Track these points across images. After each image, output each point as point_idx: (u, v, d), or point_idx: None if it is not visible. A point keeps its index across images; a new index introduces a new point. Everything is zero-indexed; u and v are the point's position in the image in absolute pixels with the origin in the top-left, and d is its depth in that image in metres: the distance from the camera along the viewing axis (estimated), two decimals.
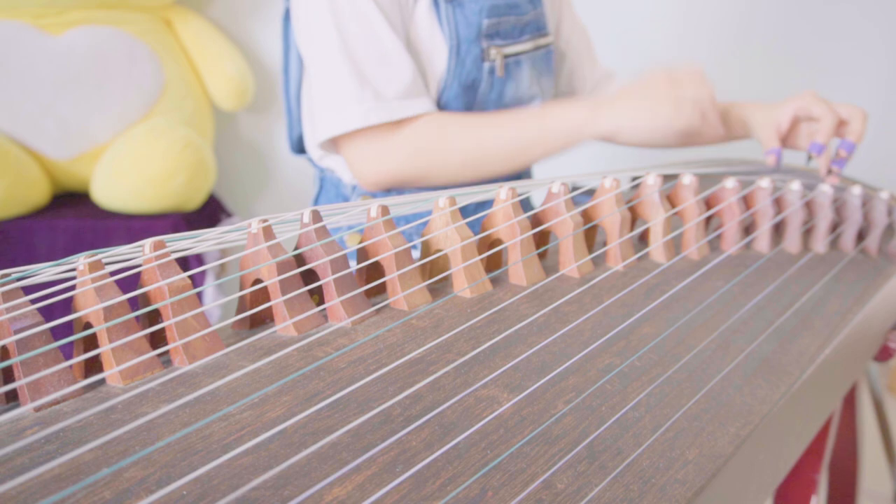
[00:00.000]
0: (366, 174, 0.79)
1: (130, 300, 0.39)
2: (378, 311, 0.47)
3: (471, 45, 0.79)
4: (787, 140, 0.85)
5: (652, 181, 0.60)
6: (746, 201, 0.67)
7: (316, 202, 0.93)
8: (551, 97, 0.93)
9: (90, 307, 0.38)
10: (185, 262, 1.14)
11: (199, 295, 1.07)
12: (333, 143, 0.81)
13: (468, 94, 0.81)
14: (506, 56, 0.82)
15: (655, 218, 0.60)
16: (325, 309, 0.45)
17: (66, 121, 1.45)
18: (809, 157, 0.80)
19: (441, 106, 0.81)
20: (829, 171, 0.81)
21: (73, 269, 0.40)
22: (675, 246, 0.61)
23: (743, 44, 1.86)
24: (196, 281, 1.41)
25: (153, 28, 1.58)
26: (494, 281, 0.52)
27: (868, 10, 1.74)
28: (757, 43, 1.85)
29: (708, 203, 0.65)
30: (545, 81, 0.90)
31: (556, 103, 0.79)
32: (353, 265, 0.49)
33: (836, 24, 1.77)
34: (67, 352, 0.41)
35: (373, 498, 0.30)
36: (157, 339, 0.42)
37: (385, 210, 0.48)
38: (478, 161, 0.78)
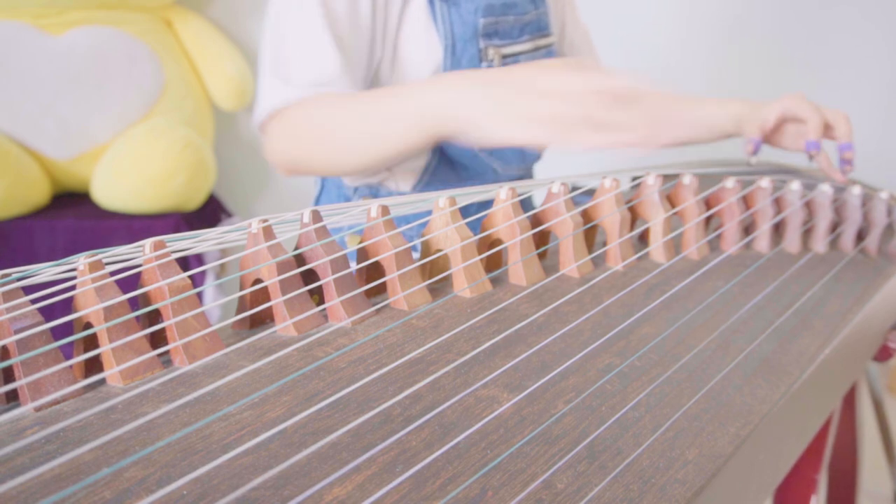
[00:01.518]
0: (269, 159, 0.76)
1: (130, 300, 0.40)
2: (378, 311, 0.47)
3: (466, 45, 0.78)
4: (772, 139, 0.86)
5: (652, 181, 0.60)
6: (746, 201, 0.67)
7: (317, 202, 0.93)
8: None
9: (90, 307, 0.38)
10: (185, 262, 1.14)
11: (199, 295, 1.07)
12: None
13: None
14: (504, 56, 0.81)
15: (655, 218, 0.60)
16: (325, 309, 0.45)
17: (66, 121, 1.46)
18: (810, 157, 0.81)
19: None
20: (843, 172, 0.81)
21: (73, 269, 0.40)
22: (675, 246, 0.61)
23: (742, 45, 1.86)
24: (196, 281, 1.41)
25: (153, 28, 1.58)
26: (494, 281, 0.52)
27: (868, 11, 1.74)
28: (756, 45, 1.85)
29: (708, 203, 0.65)
30: None
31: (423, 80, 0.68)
32: (353, 265, 0.49)
33: (836, 24, 1.77)
34: (67, 352, 0.41)
35: (373, 498, 0.30)
36: (157, 339, 0.42)
37: (385, 210, 0.48)
38: (345, 144, 0.69)
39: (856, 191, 0.72)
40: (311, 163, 0.73)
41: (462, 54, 0.78)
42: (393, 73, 0.79)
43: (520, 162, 0.89)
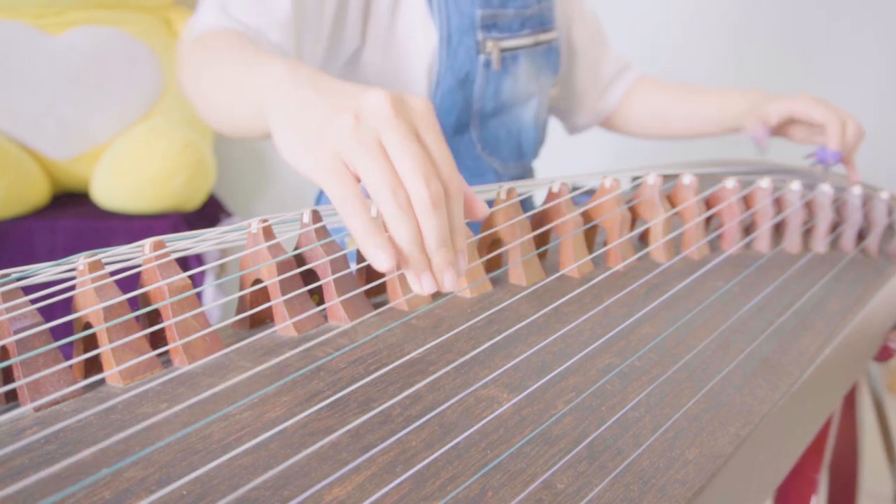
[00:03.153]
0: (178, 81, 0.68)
1: (130, 300, 0.39)
2: (378, 311, 0.47)
3: (463, 36, 0.77)
4: (777, 132, 0.86)
5: (652, 181, 0.60)
6: (746, 201, 0.67)
7: (318, 202, 0.93)
8: (548, 96, 0.92)
9: (90, 307, 0.38)
10: (185, 262, 1.14)
11: (199, 295, 1.07)
12: None
13: (464, 88, 0.79)
14: (503, 49, 0.81)
15: (655, 218, 0.60)
16: (325, 309, 0.45)
17: (66, 121, 1.45)
18: (828, 166, 0.79)
19: (437, 101, 0.79)
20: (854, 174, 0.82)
21: (73, 269, 0.40)
22: (675, 246, 0.61)
23: (742, 44, 1.86)
24: (196, 281, 1.41)
25: (153, 28, 1.58)
26: (494, 281, 0.52)
27: (867, 11, 1.74)
28: (756, 44, 1.85)
29: (708, 203, 0.65)
30: (544, 79, 0.89)
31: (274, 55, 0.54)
32: (353, 265, 0.49)
33: (835, 24, 1.77)
34: (67, 352, 0.41)
35: (373, 498, 0.30)
36: (157, 339, 0.42)
37: None
38: (213, 100, 0.60)
39: (856, 191, 0.72)
40: (204, 110, 0.63)
41: (458, 46, 0.77)
42: (385, 62, 0.78)
43: (517, 159, 0.89)
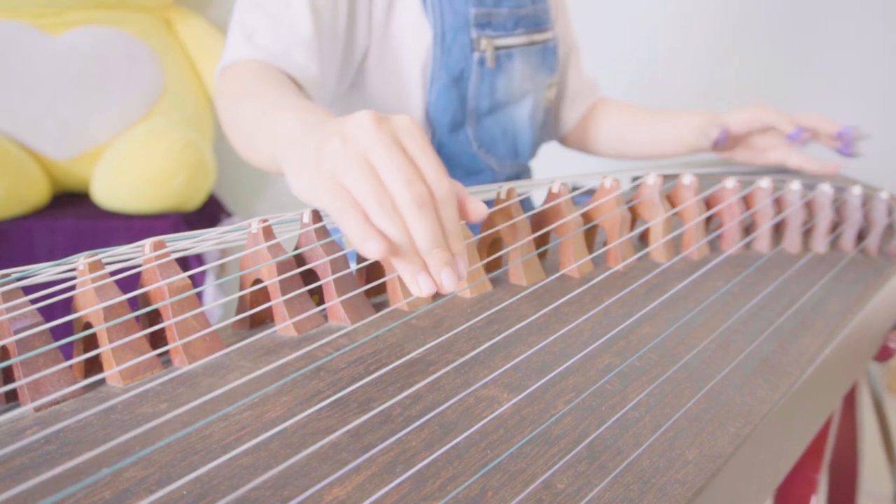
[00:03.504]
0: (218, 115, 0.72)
1: (130, 300, 0.40)
2: (378, 311, 0.47)
3: (457, 34, 0.78)
4: (738, 154, 0.90)
5: (652, 181, 0.60)
6: (746, 201, 0.67)
7: None
8: (544, 96, 0.92)
9: (90, 307, 0.38)
10: (185, 262, 1.14)
11: (199, 295, 1.07)
12: None
13: (459, 86, 0.80)
14: (497, 48, 0.81)
15: (655, 218, 0.60)
16: (325, 309, 0.45)
17: (66, 121, 1.45)
18: (802, 141, 0.85)
19: (432, 98, 0.80)
20: (850, 154, 0.84)
21: (73, 269, 0.40)
22: (675, 246, 0.61)
23: (739, 48, 1.86)
24: (196, 281, 1.41)
25: (153, 28, 1.58)
26: (494, 281, 0.52)
27: (866, 11, 1.74)
28: (754, 47, 1.85)
29: (708, 203, 0.65)
30: (539, 78, 0.89)
31: (306, 102, 0.57)
32: (353, 265, 0.49)
33: (835, 25, 1.77)
34: (67, 352, 0.41)
35: (373, 498, 0.30)
36: (157, 339, 0.42)
37: None
38: (240, 137, 0.64)
39: (856, 191, 0.72)
40: (223, 128, 0.68)
41: (452, 44, 0.78)
42: (381, 61, 0.78)
43: (513, 158, 0.90)
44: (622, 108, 1.02)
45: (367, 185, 0.40)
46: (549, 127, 1.03)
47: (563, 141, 1.07)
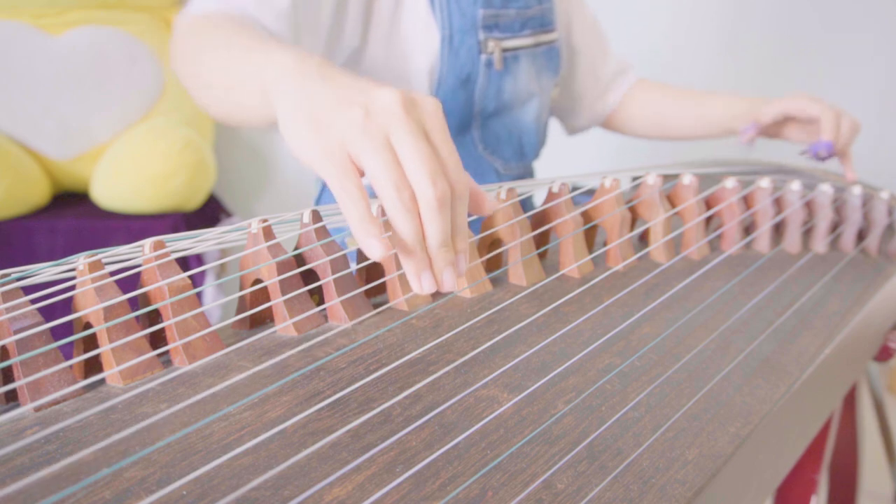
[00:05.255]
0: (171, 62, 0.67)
1: (130, 300, 0.40)
2: (378, 311, 0.47)
3: (465, 36, 0.78)
4: (773, 132, 0.88)
5: (652, 181, 0.60)
6: (746, 201, 0.67)
7: (318, 202, 0.93)
8: (549, 97, 0.92)
9: (90, 307, 0.38)
10: (185, 262, 1.14)
11: (199, 295, 1.07)
12: None
13: (466, 88, 0.80)
14: (505, 49, 0.81)
15: (655, 218, 0.60)
16: (325, 309, 0.45)
17: (66, 121, 1.46)
18: (821, 158, 0.82)
19: (439, 100, 0.79)
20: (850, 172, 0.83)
21: (73, 269, 0.40)
22: (675, 246, 0.61)
23: (740, 44, 1.86)
24: (196, 281, 1.41)
25: (153, 28, 1.58)
26: (494, 281, 0.52)
27: (865, 11, 1.74)
28: (754, 44, 1.85)
29: (708, 203, 0.65)
30: (545, 79, 0.89)
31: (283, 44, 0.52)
32: (353, 265, 0.49)
33: (834, 24, 1.77)
34: (67, 352, 0.41)
35: (373, 498, 0.30)
36: (157, 339, 0.42)
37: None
38: (212, 85, 0.58)
39: (856, 191, 0.72)
40: (186, 82, 0.63)
41: (460, 45, 0.78)
42: (387, 62, 0.78)
43: (518, 160, 0.89)
44: (661, 89, 1.02)
45: (387, 171, 0.38)
46: (586, 115, 1.03)
47: (606, 125, 1.07)
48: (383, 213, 0.47)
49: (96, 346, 0.38)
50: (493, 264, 0.55)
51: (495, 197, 0.53)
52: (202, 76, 0.59)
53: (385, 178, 0.38)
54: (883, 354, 0.71)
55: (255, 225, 0.45)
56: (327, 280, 0.45)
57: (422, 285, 0.39)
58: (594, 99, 1.02)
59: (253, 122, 0.55)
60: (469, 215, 0.44)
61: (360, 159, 0.38)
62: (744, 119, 0.89)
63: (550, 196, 0.56)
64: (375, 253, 0.38)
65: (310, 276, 0.46)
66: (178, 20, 0.64)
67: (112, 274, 0.40)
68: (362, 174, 0.40)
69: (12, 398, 0.38)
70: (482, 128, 0.83)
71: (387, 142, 0.38)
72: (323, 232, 0.46)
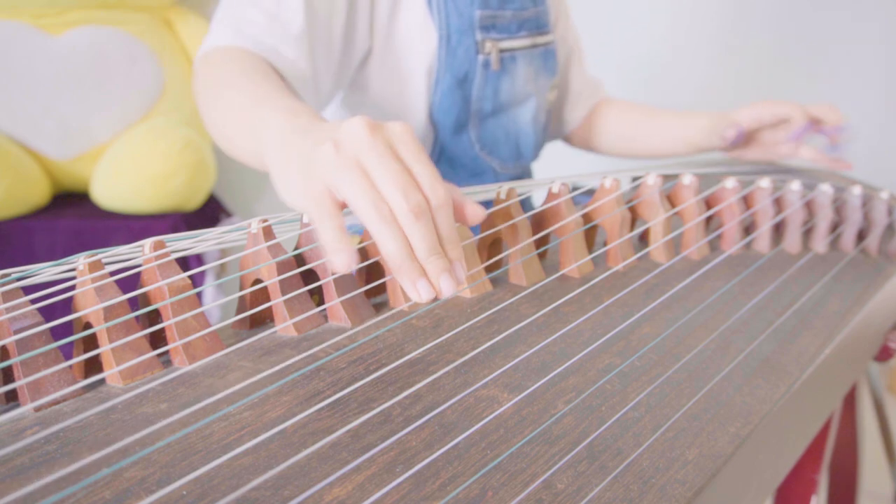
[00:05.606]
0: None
1: (130, 300, 0.40)
2: (378, 311, 0.47)
3: (462, 37, 0.78)
4: (745, 151, 0.90)
5: (652, 181, 0.60)
6: (746, 201, 0.67)
7: None
8: (546, 98, 0.92)
9: (90, 307, 0.38)
10: (185, 262, 1.14)
11: (199, 295, 1.07)
12: None
13: (463, 88, 0.80)
14: (502, 50, 0.81)
15: (655, 218, 0.60)
16: (325, 309, 0.45)
17: (66, 121, 1.45)
18: (797, 145, 0.84)
19: (436, 100, 0.80)
20: (837, 159, 0.84)
21: (73, 269, 0.40)
22: (675, 246, 0.61)
23: (740, 48, 1.86)
24: (196, 281, 1.41)
25: (153, 28, 1.58)
26: (494, 281, 0.52)
27: (865, 12, 1.74)
28: (754, 47, 1.85)
29: (708, 203, 0.65)
30: (542, 81, 0.89)
31: (296, 102, 0.55)
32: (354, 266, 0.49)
33: (834, 25, 1.77)
34: (67, 352, 0.41)
35: (373, 498, 0.30)
36: (157, 339, 0.42)
37: None
38: (220, 126, 0.62)
39: (856, 191, 0.72)
40: (201, 112, 0.66)
41: (458, 46, 0.78)
42: (385, 62, 0.78)
43: (515, 160, 0.90)
44: (627, 107, 1.02)
45: (361, 190, 0.39)
46: (552, 126, 1.03)
47: (568, 140, 1.07)
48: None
49: (96, 346, 0.38)
50: (494, 264, 0.55)
51: (495, 197, 0.53)
52: (213, 116, 0.63)
53: (362, 198, 0.39)
54: (883, 354, 0.71)
55: (255, 225, 0.45)
56: (327, 280, 0.45)
57: (419, 293, 0.39)
58: (558, 109, 1.03)
59: (255, 167, 0.59)
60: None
61: (340, 190, 0.40)
62: (710, 133, 0.89)
63: (550, 196, 0.56)
64: (341, 263, 0.39)
65: (310, 276, 0.46)
66: (198, 55, 0.68)
67: (112, 274, 0.40)
68: (345, 206, 0.42)
69: (12, 398, 0.38)
70: (479, 127, 0.83)
71: (358, 167, 0.40)
72: None
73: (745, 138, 0.89)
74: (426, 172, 0.41)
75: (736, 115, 0.87)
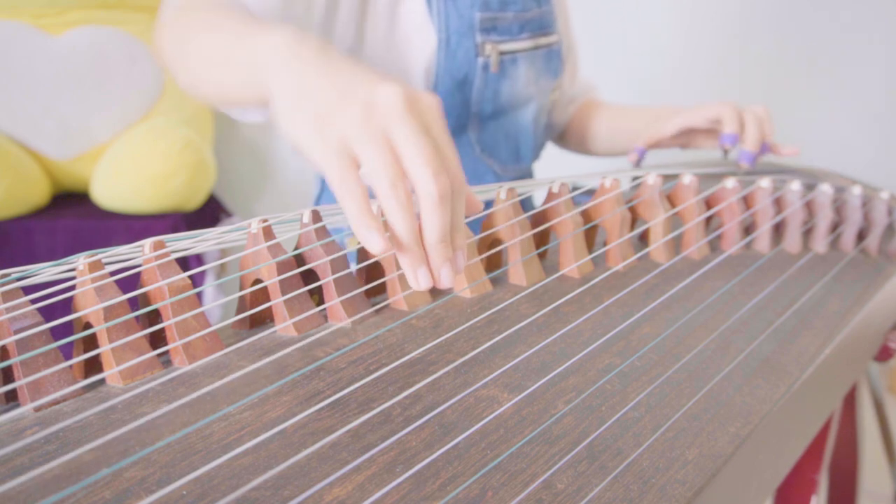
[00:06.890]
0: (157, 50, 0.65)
1: (130, 300, 0.39)
2: (378, 311, 0.47)
3: (462, 39, 0.77)
4: (687, 142, 0.87)
5: (652, 181, 0.60)
6: (746, 201, 0.67)
7: (317, 202, 0.93)
8: (548, 100, 0.92)
9: (90, 307, 0.38)
10: (185, 262, 1.14)
11: (199, 295, 1.07)
12: None
13: (462, 90, 0.79)
14: (502, 53, 0.81)
15: (655, 218, 0.60)
16: (325, 309, 0.45)
17: (66, 121, 1.45)
18: (725, 151, 0.80)
19: None
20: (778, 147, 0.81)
21: (73, 269, 0.40)
22: (675, 246, 0.61)
23: (743, 48, 1.86)
24: (196, 281, 1.41)
25: (153, 28, 1.58)
26: (494, 281, 0.52)
27: (866, 13, 1.74)
28: (757, 48, 1.85)
29: (708, 203, 0.65)
30: (544, 82, 0.89)
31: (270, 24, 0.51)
32: (353, 265, 0.49)
33: (835, 26, 1.77)
34: (67, 352, 0.41)
35: (373, 498, 0.30)
36: (157, 339, 0.42)
37: None
38: (199, 66, 0.56)
39: (856, 191, 0.72)
40: (171, 64, 0.62)
41: (457, 48, 0.77)
42: (384, 63, 0.77)
43: (516, 162, 0.89)
44: (603, 105, 1.01)
45: (384, 168, 0.38)
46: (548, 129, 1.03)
47: (564, 144, 1.07)
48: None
49: (96, 346, 0.38)
50: (493, 264, 0.55)
51: (495, 197, 0.53)
52: (190, 59, 0.58)
53: (383, 174, 0.38)
54: (883, 354, 0.71)
55: (255, 225, 0.45)
56: (327, 280, 0.45)
57: (418, 281, 0.39)
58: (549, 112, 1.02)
59: (240, 103, 0.54)
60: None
61: (359, 154, 0.39)
62: (645, 132, 0.88)
63: (550, 196, 0.56)
64: (375, 247, 0.38)
65: (310, 276, 0.46)
66: (162, 7, 0.63)
67: (112, 274, 0.40)
68: (359, 168, 0.40)
69: (12, 398, 0.38)
70: (479, 129, 0.83)
71: (386, 139, 0.38)
72: (323, 232, 0.46)
73: (686, 139, 0.86)
74: (453, 155, 0.40)
75: (669, 123, 0.84)
